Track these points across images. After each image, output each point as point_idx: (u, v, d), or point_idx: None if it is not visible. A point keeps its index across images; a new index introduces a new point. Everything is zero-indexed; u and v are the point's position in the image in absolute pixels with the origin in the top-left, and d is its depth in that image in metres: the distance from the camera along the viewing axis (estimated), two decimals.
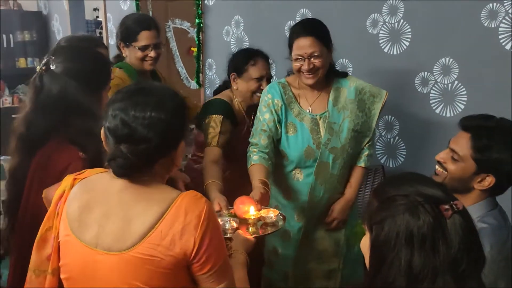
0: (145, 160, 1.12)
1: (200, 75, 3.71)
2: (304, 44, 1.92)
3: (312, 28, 1.96)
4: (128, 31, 2.35)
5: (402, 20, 2.47)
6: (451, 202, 0.97)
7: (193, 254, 1.10)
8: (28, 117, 1.55)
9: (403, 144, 2.61)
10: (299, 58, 1.94)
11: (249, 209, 1.65)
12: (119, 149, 1.09)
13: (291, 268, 2.15)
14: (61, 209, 1.20)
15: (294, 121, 2.05)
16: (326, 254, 2.16)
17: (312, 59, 1.92)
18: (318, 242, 2.15)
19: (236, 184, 2.02)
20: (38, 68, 1.57)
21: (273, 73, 3.15)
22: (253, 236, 1.57)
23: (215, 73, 3.65)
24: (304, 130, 2.03)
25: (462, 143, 1.46)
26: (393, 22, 2.50)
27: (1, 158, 1.95)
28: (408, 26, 2.45)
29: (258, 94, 2.25)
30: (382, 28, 2.55)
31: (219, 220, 1.54)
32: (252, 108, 2.31)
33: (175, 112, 1.15)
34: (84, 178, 1.23)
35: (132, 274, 1.09)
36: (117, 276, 1.10)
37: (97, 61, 1.65)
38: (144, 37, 2.33)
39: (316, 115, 2.05)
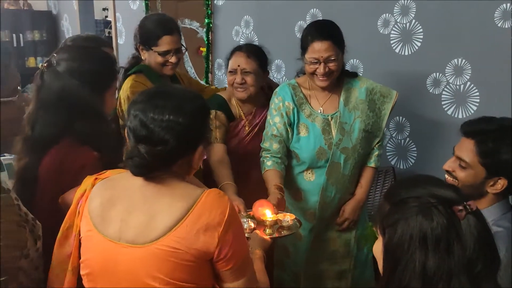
0: (161, 161, 1.15)
1: (209, 75, 3.71)
2: (320, 48, 1.90)
3: (329, 32, 1.94)
4: (148, 35, 2.24)
5: (414, 20, 2.44)
6: (465, 203, 0.96)
7: (216, 251, 1.13)
8: (32, 116, 1.55)
9: (414, 146, 2.59)
10: (315, 62, 1.92)
11: (267, 212, 1.69)
12: (137, 149, 1.13)
13: (303, 269, 2.15)
14: (82, 207, 1.23)
15: (306, 122, 2.04)
16: (337, 255, 2.16)
17: (327, 63, 1.92)
18: (329, 243, 2.15)
19: (236, 183, 2.03)
20: (40, 66, 1.57)
21: (282, 73, 3.15)
22: (270, 237, 1.62)
23: (224, 73, 3.64)
24: (316, 131, 2.02)
25: (467, 150, 1.44)
26: (404, 22, 2.48)
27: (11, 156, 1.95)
28: (420, 26, 2.43)
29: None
30: (394, 28, 2.53)
31: None
32: (250, 107, 2.29)
33: (194, 116, 1.18)
34: (105, 178, 1.26)
35: (156, 266, 1.11)
36: (140, 268, 1.12)
37: (100, 61, 1.63)
38: (165, 42, 2.21)
39: (328, 116, 2.04)
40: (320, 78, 1.96)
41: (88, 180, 1.27)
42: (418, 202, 0.97)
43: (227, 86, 2.32)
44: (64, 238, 1.25)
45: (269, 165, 1.99)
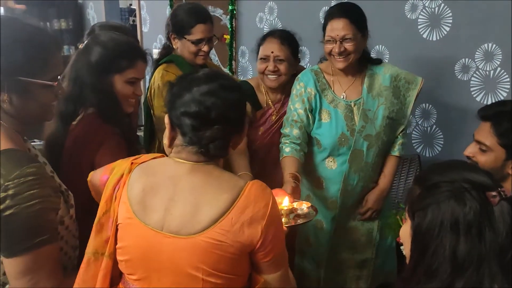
0: (233, 138, 1.20)
1: (233, 62, 3.70)
2: (336, 26, 1.89)
3: (346, 10, 1.92)
4: (182, 23, 2.25)
5: (442, 4, 2.38)
6: (499, 189, 0.95)
7: (259, 243, 1.14)
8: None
9: (440, 133, 2.54)
10: (331, 40, 1.90)
11: (282, 201, 1.67)
12: (214, 131, 1.14)
13: (324, 258, 2.14)
14: (119, 193, 1.22)
15: (328, 108, 2.02)
16: (359, 244, 2.14)
17: (344, 42, 1.89)
18: (351, 232, 2.14)
19: (261, 173, 2.04)
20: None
21: (306, 60, 3.12)
22: (286, 225, 1.60)
23: (248, 60, 3.64)
24: (339, 117, 2.00)
25: (486, 133, 1.49)
26: (433, 6, 2.42)
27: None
28: (449, 11, 2.36)
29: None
30: (422, 12, 2.47)
31: None
32: (278, 95, 2.27)
33: (245, 95, 1.24)
34: (142, 162, 1.25)
35: (200, 258, 1.12)
36: (184, 259, 1.13)
37: (108, 45, 1.67)
38: (199, 31, 2.22)
39: (351, 102, 2.01)
40: (337, 59, 1.93)
41: (123, 164, 1.26)
42: (451, 186, 0.96)
43: (249, 77, 2.32)
44: (101, 224, 1.25)
45: (287, 152, 1.97)
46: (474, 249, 0.92)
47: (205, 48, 2.26)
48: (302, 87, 2.03)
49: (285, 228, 1.53)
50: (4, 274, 1.21)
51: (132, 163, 1.26)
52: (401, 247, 1.25)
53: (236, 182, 1.16)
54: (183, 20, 2.25)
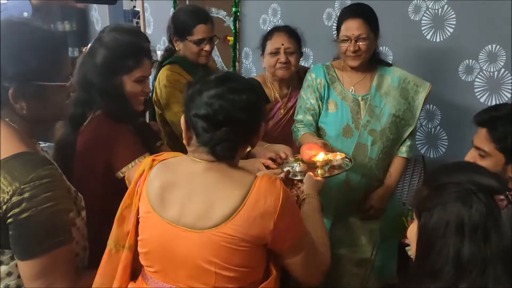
0: (243, 140, 1.22)
1: (237, 64, 3.71)
2: (352, 26, 1.95)
3: (362, 10, 1.99)
4: (183, 25, 2.28)
5: (446, 6, 2.38)
6: (507, 193, 0.94)
7: (272, 235, 1.15)
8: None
9: (444, 134, 2.54)
10: (346, 40, 1.96)
11: (317, 153, 1.70)
12: (221, 133, 1.15)
13: None
14: (141, 187, 1.26)
15: (336, 99, 2.07)
16: (359, 242, 2.14)
17: (358, 41, 1.95)
18: (352, 229, 2.14)
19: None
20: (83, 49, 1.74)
21: (310, 61, 3.13)
22: (322, 177, 1.64)
23: (251, 62, 3.64)
24: (345, 108, 2.05)
25: (483, 139, 1.49)
26: (436, 8, 2.42)
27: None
28: (453, 12, 2.37)
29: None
30: (425, 14, 2.47)
31: (286, 167, 1.69)
32: (285, 89, 2.29)
33: (260, 95, 1.22)
34: (163, 160, 1.29)
35: (212, 251, 1.14)
36: (197, 252, 1.15)
37: (113, 45, 1.68)
38: (200, 31, 2.26)
39: (358, 96, 2.06)
40: (351, 58, 1.99)
41: (146, 161, 1.31)
42: (458, 188, 0.96)
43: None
44: (123, 217, 1.29)
45: (305, 131, 2.02)
46: (478, 252, 0.92)
47: (207, 47, 2.30)
48: (313, 78, 2.11)
49: (321, 179, 1.58)
50: (9, 275, 1.22)
51: (153, 159, 1.30)
52: (406, 248, 1.25)
53: (246, 178, 1.18)
54: (184, 21, 2.29)
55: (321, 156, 1.68)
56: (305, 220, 1.31)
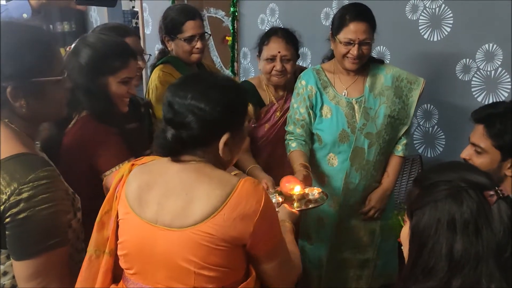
0: (182, 144, 1.18)
1: (235, 64, 3.72)
2: (358, 29, 1.90)
3: (367, 14, 1.94)
4: (173, 23, 2.29)
5: (443, 5, 2.39)
6: (496, 188, 0.95)
7: (251, 238, 1.16)
8: None
9: (442, 134, 2.54)
10: (350, 43, 1.91)
11: (294, 187, 1.74)
12: (163, 131, 1.18)
13: (325, 256, 2.15)
14: (119, 192, 1.27)
15: (330, 105, 2.05)
16: (361, 244, 2.15)
17: (362, 45, 1.91)
18: (353, 231, 2.15)
19: (268, 169, 2.08)
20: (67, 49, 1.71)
21: (308, 61, 3.13)
22: (298, 209, 1.66)
23: (249, 62, 3.65)
24: (340, 114, 2.03)
25: (480, 136, 1.50)
26: (433, 7, 2.42)
27: None
28: (450, 11, 2.37)
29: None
30: (422, 13, 2.48)
31: None
32: (281, 92, 2.28)
33: (219, 103, 1.17)
34: (142, 163, 1.30)
35: (191, 250, 1.14)
36: (176, 251, 1.15)
37: (97, 46, 1.66)
38: (189, 28, 2.26)
39: (352, 99, 2.04)
40: (351, 61, 1.96)
41: (125, 166, 1.31)
42: (448, 185, 0.97)
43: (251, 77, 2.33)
44: (102, 223, 1.29)
45: (294, 147, 2.02)
46: (471, 248, 0.93)
47: (198, 44, 2.29)
48: (303, 85, 2.08)
49: (296, 212, 1.59)
50: (4, 274, 1.23)
51: (132, 164, 1.31)
52: (402, 247, 1.26)
53: (228, 179, 1.18)
54: (173, 20, 2.30)
55: (297, 190, 1.73)
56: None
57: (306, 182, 1.81)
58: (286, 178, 1.79)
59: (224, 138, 1.20)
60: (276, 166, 2.16)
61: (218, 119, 1.18)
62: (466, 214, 0.93)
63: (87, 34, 1.75)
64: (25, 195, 1.13)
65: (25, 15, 1.80)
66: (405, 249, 1.06)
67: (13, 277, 1.22)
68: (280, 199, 1.72)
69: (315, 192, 1.78)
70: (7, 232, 1.15)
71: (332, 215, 2.10)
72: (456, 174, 0.99)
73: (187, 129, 1.16)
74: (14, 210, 1.13)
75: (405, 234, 1.05)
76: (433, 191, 0.98)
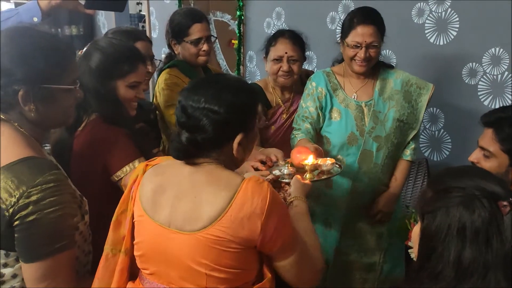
0: (198, 147, 1.19)
1: (241, 67, 3.73)
2: (365, 32, 1.91)
3: (375, 17, 1.95)
4: (179, 26, 2.30)
5: (449, 9, 2.39)
6: (510, 199, 0.95)
7: (260, 237, 1.15)
8: None
9: (448, 137, 2.54)
10: (357, 46, 1.93)
11: (306, 157, 1.67)
12: (178, 134, 1.20)
13: (331, 258, 2.15)
14: (135, 192, 1.29)
15: (339, 107, 2.05)
16: (368, 247, 2.15)
17: (369, 48, 1.92)
18: (360, 234, 2.14)
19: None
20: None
21: (314, 65, 3.14)
22: (310, 180, 1.60)
23: (255, 65, 3.66)
24: (349, 116, 2.03)
25: (489, 139, 1.49)
26: (440, 11, 2.43)
27: None
28: (456, 15, 2.37)
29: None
30: (428, 17, 2.48)
31: (276, 170, 1.67)
32: (287, 94, 2.29)
33: (232, 105, 1.19)
34: (155, 164, 1.32)
35: (202, 253, 1.15)
36: (187, 254, 1.16)
37: (107, 50, 1.68)
38: (196, 30, 2.28)
39: (361, 102, 2.04)
40: (359, 64, 1.97)
41: (140, 167, 1.33)
42: (462, 192, 0.97)
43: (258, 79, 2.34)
44: (118, 222, 1.31)
45: (301, 136, 2.01)
46: (480, 257, 0.92)
47: (204, 47, 2.30)
48: (314, 87, 2.09)
49: (309, 183, 1.54)
50: (13, 277, 1.24)
51: (147, 165, 1.33)
52: (409, 251, 1.25)
53: (233, 180, 1.18)
54: (179, 23, 2.31)
55: (310, 160, 1.66)
56: (294, 223, 1.29)
57: (318, 153, 1.76)
58: (297, 149, 1.74)
59: (238, 138, 1.22)
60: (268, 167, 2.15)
61: (231, 121, 1.20)
62: (477, 223, 0.93)
63: (98, 38, 1.77)
64: (33, 198, 1.14)
65: (35, 19, 1.81)
66: (415, 248, 1.06)
67: (22, 279, 1.23)
68: (292, 170, 1.65)
69: (328, 162, 1.70)
70: (16, 235, 1.16)
71: (339, 217, 2.10)
72: (471, 181, 0.98)
73: (202, 132, 1.17)
74: (23, 213, 1.14)
75: (415, 234, 1.05)
76: (446, 197, 0.98)
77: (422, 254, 1.01)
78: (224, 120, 1.18)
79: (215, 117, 1.17)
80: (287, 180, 1.58)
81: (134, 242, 1.28)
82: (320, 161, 1.69)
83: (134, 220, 1.28)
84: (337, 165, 1.74)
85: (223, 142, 1.22)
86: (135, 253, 1.28)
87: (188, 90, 1.22)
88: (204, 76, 1.27)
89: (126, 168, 1.58)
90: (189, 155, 1.22)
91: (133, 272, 1.32)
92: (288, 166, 1.68)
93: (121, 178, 1.58)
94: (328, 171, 1.69)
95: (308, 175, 1.65)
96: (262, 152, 1.86)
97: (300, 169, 1.68)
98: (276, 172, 1.66)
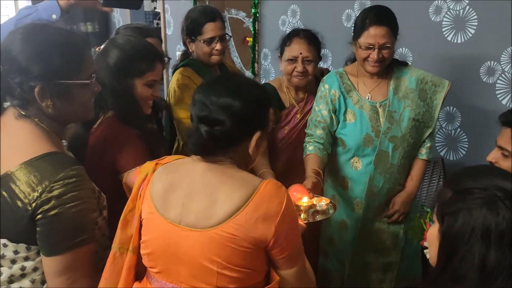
0: (217, 142, 1.20)
1: (255, 64, 3.73)
2: (377, 34, 1.89)
3: (387, 18, 1.92)
4: (193, 24, 2.30)
5: (467, 7, 2.36)
6: None
7: (272, 240, 1.17)
8: None
9: (465, 136, 2.51)
10: (370, 47, 1.91)
11: (302, 197, 1.69)
12: (197, 129, 1.20)
13: (348, 259, 2.15)
14: (144, 191, 1.29)
15: (354, 109, 2.03)
16: (384, 247, 2.14)
17: (382, 49, 1.90)
18: (376, 234, 2.14)
19: (288, 171, 2.10)
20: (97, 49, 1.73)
21: (329, 62, 3.12)
22: (305, 222, 1.63)
23: (270, 63, 3.66)
24: (364, 118, 2.01)
25: (507, 139, 1.47)
26: (458, 8, 2.40)
27: None
28: (474, 13, 2.34)
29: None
30: (446, 15, 2.45)
31: None
32: (302, 94, 2.28)
33: (250, 101, 1.21)
34: (165, 163, 1.32)
35: (214, 250, 1.16)
36: (199, 252, 1.17)
37: (125, 48, 1.68)
38: (209, 29, 2.27)
39: (376, 103, 2.02)
40: (372, 64, 1.95)
41: (149, 165, 1.33)
42: (483, 194, 0.94)
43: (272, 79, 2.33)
44: (126, 221, 1.32)
45: (311, 150, 2.01)
46: (504, 260, 0.91)
47: (218, 46, 2.29)
48: (327, 89, 2.07)
49: (303, 224, 1.55)
50: (34, 270, 1.26)
51: (156, 163, 1.33)
52: (425, 251, 1.24)
53: (251, 180, 1.20)
54: (193, 21, 2.31)
55: (305, 200, 1.69)
56: None
57: (316, 189, 1.79)
58: (294, 187, 1.75)
59: (257, 135, 1.24)
60: (295, 169, 2.14)
61: (250, 116, 1.22)
62: (502, 225, 0.91)
63: (116, 35, 1.78)
64: (56, 192, 1.16)
65: (54, 16, 1.84)
66: (431, 249, 1.04)
67: (43, 273, 1.25)
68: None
69: (322, 202, 1.74)
70: (38, 229, 1.18)
71: (356, 218, 2.09)
72: (492, 181, 0.96)
73: (221, 126, 1.18)
74: (46, 207, 1.16)
75: (432, 235, 1.03)
76: (467, 198, 0.95)
77: (443, 257, 0.99)
78: (242, 114, 1.19)
79: (234, 110, 1.18)
80: None
81: (142, 240, 1.28)
82: (315, 200, 1.73)
83: (142, 219, 1.28)
84: (331, 205, 1.78)
85: (240, 138, 1.23)
86: (142, 252, 1.28)
87: (207, 85, 1.25)
88: (220, 75, 1.28)
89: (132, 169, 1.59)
90: (208, 150, 1.22)
91: (138, 272, 1.32)
92: None
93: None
94: (323, 211, 1.73)
95: (302, 216, 1.68)
96: None
97: (295, 207, 1.69)
98: None
